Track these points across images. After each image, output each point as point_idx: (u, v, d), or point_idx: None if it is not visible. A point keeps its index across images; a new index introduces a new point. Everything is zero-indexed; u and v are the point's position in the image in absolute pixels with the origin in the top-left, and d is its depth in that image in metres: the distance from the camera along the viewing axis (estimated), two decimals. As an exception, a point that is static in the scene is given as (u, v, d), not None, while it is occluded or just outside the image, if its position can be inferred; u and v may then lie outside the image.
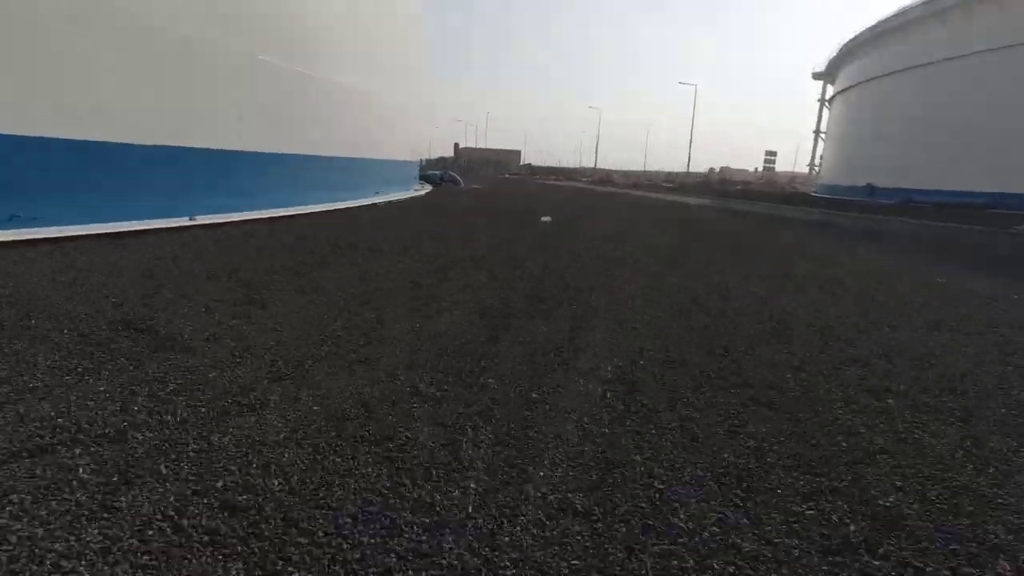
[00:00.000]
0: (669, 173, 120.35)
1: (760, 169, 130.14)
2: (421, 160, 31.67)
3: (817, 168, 54.81)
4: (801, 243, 11.39)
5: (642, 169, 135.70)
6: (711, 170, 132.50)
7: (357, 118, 17.17)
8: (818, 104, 53.65)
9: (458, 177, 28.79)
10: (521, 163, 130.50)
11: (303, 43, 13.17)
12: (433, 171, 29.17)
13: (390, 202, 16.23)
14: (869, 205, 30.45)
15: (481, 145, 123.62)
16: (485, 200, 18.64)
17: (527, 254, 7.53)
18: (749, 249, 9.76)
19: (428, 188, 25.02)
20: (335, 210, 12.38)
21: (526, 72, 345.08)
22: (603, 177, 79.44)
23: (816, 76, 53.73)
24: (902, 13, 35.09)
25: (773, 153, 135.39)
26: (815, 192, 49.63)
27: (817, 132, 53.68)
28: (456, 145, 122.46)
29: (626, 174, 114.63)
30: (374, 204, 14.94)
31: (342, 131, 15.94)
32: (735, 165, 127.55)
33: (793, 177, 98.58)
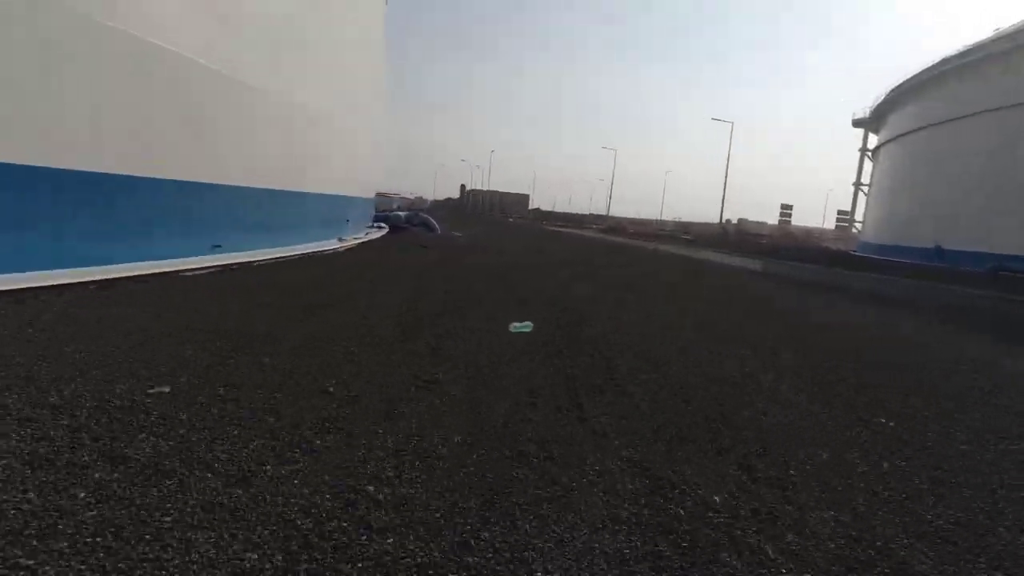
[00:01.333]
0: (678, 222, 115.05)
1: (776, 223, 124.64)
2: (395, 202, 26.08)
3: (858, 225, 48.86)
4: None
5: (656, 218, 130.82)
6: (727, 222, 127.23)
7: (285, 135, 11.43)
8: (859, 155, 48.20)
9: (433, 222, 23.00)
10: (530, 207, 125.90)
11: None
12: (400, 212, 23.45)
13: (310, 255, 10.29)
14: (942, 271, 24.27)
15: (490, 187, 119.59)
16: (447, 261, 12.70)
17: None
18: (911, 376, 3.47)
19: (382, 231, 19.10)
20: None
21: (541, 115, 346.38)
22: (613, 226, 73.88)
23: (857, 124, 48.45)
24: (981, 47, 29.59)
25: (789, 207, 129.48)
26: (857, 251, 43.49)
27: (857, 185, 48.15)
28: (463, 187, 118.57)
29: (640, 222, 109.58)
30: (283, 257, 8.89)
31: (256, 148, 10.25)
32: (750, 217, 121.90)
33: (808, 233, 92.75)
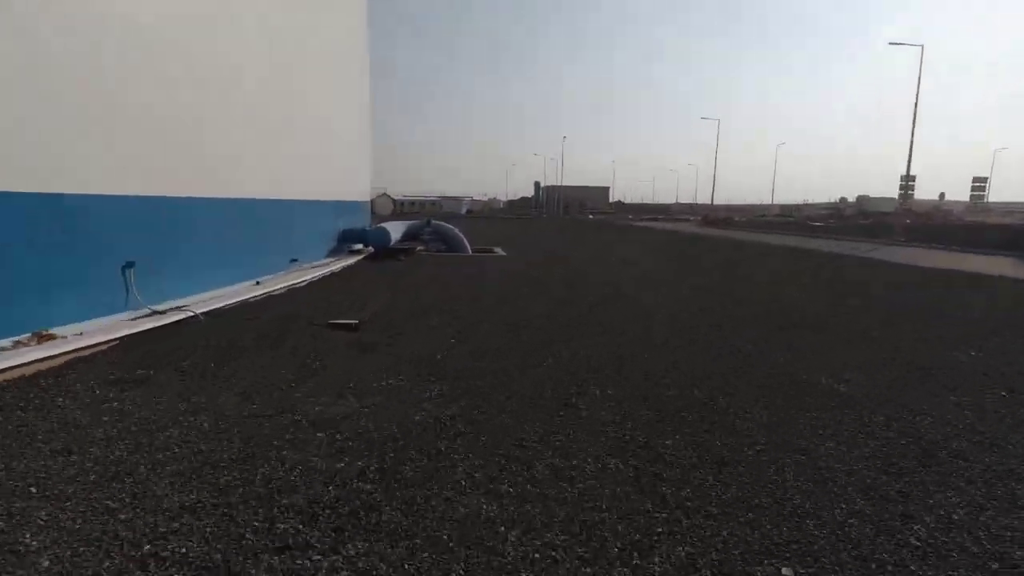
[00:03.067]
0: (783, 206, 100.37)
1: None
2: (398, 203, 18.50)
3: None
4: None
5: (762, 202, 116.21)
6: (842, 200, 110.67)
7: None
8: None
9: (456, 234, 14.93)
10: (611, 200, 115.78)
11: None
12: (387, 225, 15.38)
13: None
14: None
15: (565, 180, 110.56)
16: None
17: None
18: None
19: (357, 256, 11.35)
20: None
21: (618, 102, 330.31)
22: (716, 217, 62.88)
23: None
24: None
25: (912, 177, 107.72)
26: None
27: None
28: (537, 184, 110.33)
29: (739, 209, 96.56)
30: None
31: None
32: (871, 193, 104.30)
33: (937, 208, 76.37)
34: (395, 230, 14.11)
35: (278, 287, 8.02)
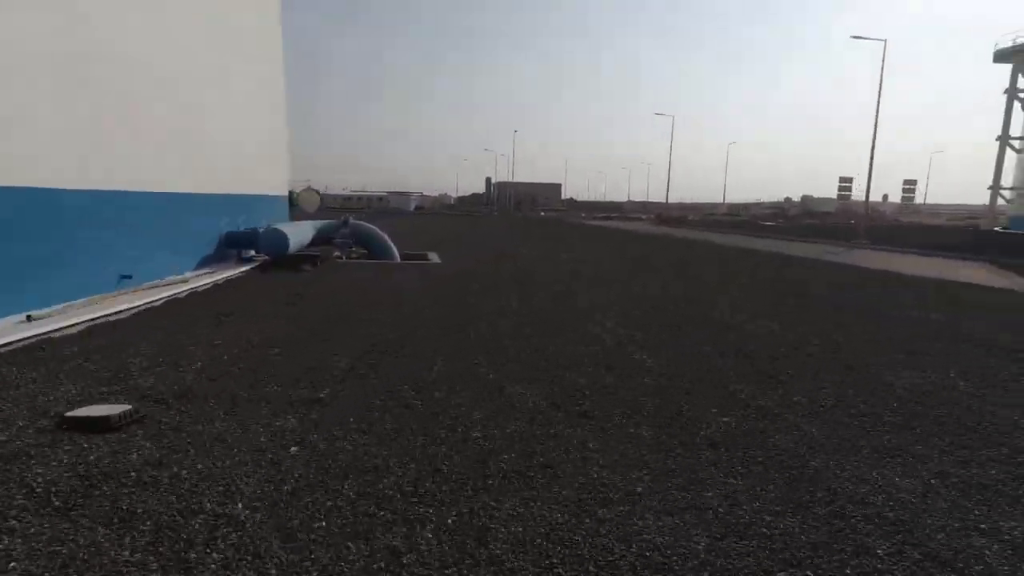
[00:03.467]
0: (731, 205, 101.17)
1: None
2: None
3: (1006, 193, 35.96)
4: None
5: (709, 201, 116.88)
6: (787, 200, 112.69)
7: None
8: (1005, 98, 35.40)
9: (381, 236, 12.10)
10: (563, 197, 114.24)
11: None
12: (326, 222, 12.51)
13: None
14: None
15: (518, 176, 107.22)
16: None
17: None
18: None
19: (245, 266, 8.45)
20: None
21: (575, 95, 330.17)
22: (668, 216, 61.80)
23: (1000, 57, 35.68)
24: None
25: (848, 179, 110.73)
26: (1011, 229, 30.99)
27: (1004, 139, 35.40)
28: (488, 180, 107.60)
29: (689, 208, 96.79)
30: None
31: None
32: (814, 193, 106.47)
33: (874, 209, 78.23)
34: (303, 232, 11.24)
35: (69, 324, 5.16)
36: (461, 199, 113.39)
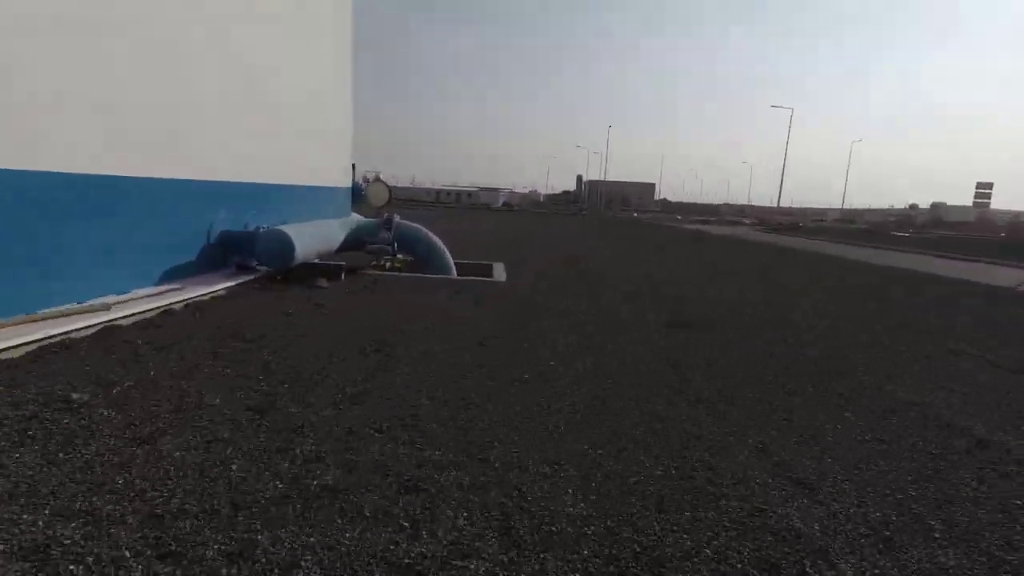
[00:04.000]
0: (844, 211, 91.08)
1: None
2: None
3: None
4: None
5: (812, 206, 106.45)
6: (912, 207, 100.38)
7: None
8: None
9: (432, 241, 9.56)
10: (656, 198, 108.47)
11: None
12: (364, 221, 10.16)
13: None
14: None
15: (610, 175, 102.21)
16: None
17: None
18: None
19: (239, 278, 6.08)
20: None
21: (667, 98, 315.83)
22: (782, 222, 55.68)
23: None
24: None
25: (988, 185, 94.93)
26: None
27: None
28: (579, 177, 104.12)
29: (787, 212, 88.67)
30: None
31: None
32: (948, 200, 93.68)
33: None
34: (325, 234, 8.87)
35: None
36: (551, 197, 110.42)
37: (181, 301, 5.92)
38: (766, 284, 11.15)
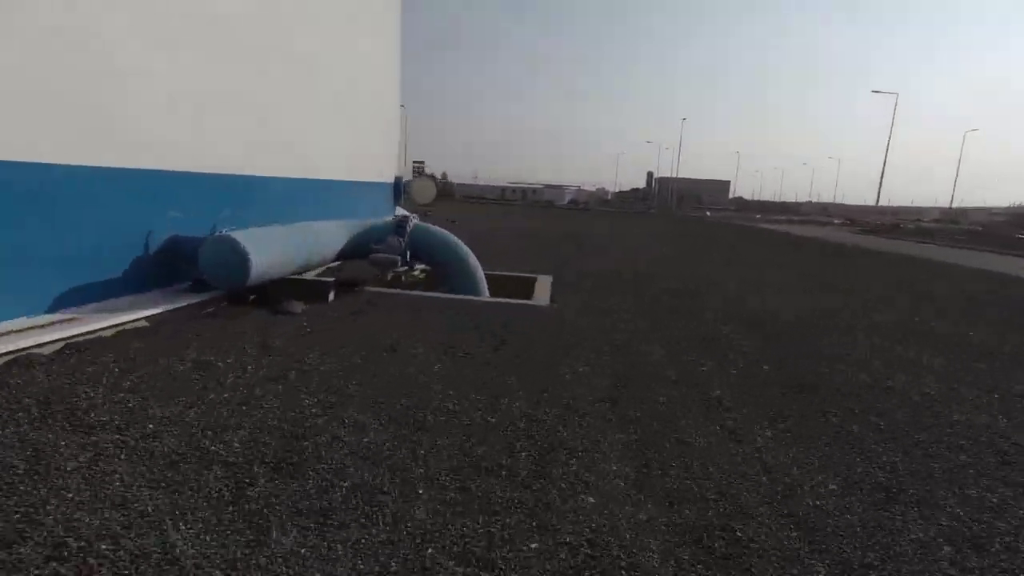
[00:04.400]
0: (943, 211, 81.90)
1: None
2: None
3: None
4: None
5: (906, 204, 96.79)
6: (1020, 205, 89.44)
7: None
8: None
9: (460, 250, 7.58)
10: (731, 196, 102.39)
11: None
12: (373, 224, 8.17)
13: None
14: None
15: (681, 171, 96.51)
16: None
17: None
18: None
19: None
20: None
21: (752, 85, 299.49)
22: (876, 223, 50.18)
23: None
24: None
25: None
26: None
27: None
28: (649, 174, 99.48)
29: (874, 211, 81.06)
30: None
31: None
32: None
33: None
34: (311, 242, 6.83)
35: None
36: (619, 194, 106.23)
37: (58, 340, 4.06)
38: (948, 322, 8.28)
